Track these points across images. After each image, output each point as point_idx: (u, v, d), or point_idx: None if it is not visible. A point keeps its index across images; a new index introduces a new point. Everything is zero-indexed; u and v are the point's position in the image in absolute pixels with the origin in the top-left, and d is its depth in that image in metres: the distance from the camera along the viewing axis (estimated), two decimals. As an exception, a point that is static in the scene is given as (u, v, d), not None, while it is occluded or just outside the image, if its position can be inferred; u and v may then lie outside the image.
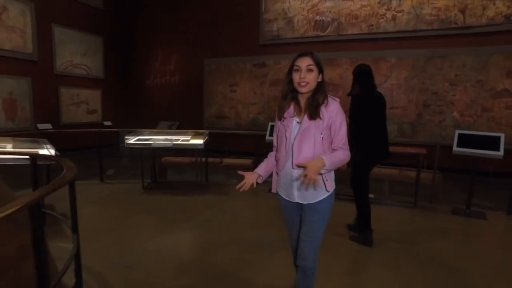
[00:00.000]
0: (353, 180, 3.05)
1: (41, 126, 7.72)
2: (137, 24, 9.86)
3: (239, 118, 8.33)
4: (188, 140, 4.52)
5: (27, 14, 7.46)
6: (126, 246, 2.81)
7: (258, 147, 5.94)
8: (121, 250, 2.74)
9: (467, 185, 3.87)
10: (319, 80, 1.61)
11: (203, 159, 5.10)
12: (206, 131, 5.00)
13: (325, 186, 1.62)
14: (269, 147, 3.56)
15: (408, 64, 6.60)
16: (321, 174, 1.55)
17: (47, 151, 3.10)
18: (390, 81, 6.72)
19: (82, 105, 9.10)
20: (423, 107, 6.59)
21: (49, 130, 7.06)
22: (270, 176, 1.78)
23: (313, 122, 1.57)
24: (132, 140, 4.57)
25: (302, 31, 7.41)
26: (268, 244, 2.88)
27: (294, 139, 1.61)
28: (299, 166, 1.56)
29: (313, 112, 1.57)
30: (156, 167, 5.13)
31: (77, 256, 1.49)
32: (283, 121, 1.67)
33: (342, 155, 1.59)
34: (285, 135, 1.64)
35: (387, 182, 4.88)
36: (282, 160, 1.67)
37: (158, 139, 4.63)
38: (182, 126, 8.65)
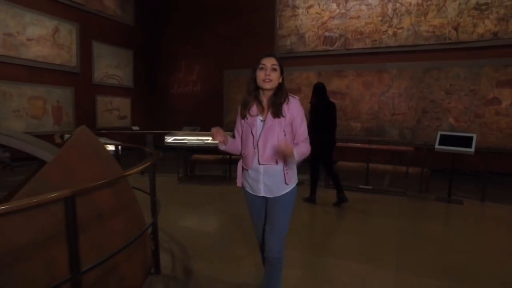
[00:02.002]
0: (312, 162, 4.41)
1: (81, 130, 8.77)
2: (163, 39, 10.94)
3: (255, 123, 9.23)
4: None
5: (73, 33, 8.59)
6: (172, 220, 3.70)
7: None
8: (171, 223, 3.63)
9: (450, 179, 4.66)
10: (280, 81, 1.75)
11: (227, 156, 5.99)
12: (230, 133, 5.90)
13: (284, 179, 1.74)
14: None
15: (408, 75, 7.39)
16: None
17: (112, 145, 4.03)
18: (392, 90, 7.51)
19: (114, 111, 10.17)
20: (422, 113, 7.34)
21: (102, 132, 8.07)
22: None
23: (276, 120, 1.68)
24: (170, 139, 5.50)
25: (313, 46, 8.29)
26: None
27: (259, 136, 1.71)
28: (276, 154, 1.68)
29: (277, 110, 1.68)
30: (187, 163, 6.05)
31: (154, 218, 2.39)
32: (247, 119, 1.77)
33: (305, 148, 1.72)
34: (252, 133, 1.74)
35: (388, 176, 5.70)
36: (250, 157, 1.74)
37: (191, 139, 5.55)
38: (203, 131, 9.59)
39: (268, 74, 1.68)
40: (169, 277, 2.38)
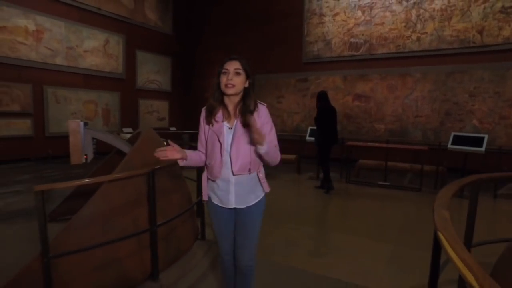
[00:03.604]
0: (319, 154, 5.37)
1: (125, 130, 9.79)
2: (198, 46, 11.81)
3: (284, 125, 9.79)
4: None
5: (120, 43, 9.64)
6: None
7: (299, 147, 7.37)
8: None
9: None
10: (246, 85, 1.65)
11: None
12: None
13: (262, 187, 1.70)
14: (308, 146, 5.27)
15: (431, 78, 7.63)
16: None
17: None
18: (415, 93, 7.78)
19: (154, 113, 11.16)
20: (445, 115, 7.55)
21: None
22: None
23: (246, 129, 1.58)
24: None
25: (339, 51, 8.73)
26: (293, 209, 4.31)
27: (231, 146, 1.59)
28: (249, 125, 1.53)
29: (247, 118, 1.57)
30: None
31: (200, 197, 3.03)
32: (212, 126, 1.64)
33: (275, 153, 1.65)
34: (219, 141, 1.61)
35: (410, 174, 6.09)
36: (217, 167, 1.61)
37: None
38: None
39: (231, 78, 1.58)
40: (211, 242, 3.00)
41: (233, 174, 1.60)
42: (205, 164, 1.72)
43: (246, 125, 1.57)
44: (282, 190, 5.36)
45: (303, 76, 9.34)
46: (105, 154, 3.55)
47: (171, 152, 1.54)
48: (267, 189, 1.73)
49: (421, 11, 7.63)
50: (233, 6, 10.71)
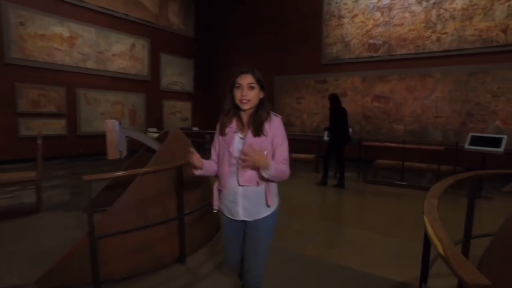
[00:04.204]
0: (326, 152, 5.84)
1: (150, 129, 10.25)
2: (219, 48, 12.16)
3: (304, 125, 9.95)
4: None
5: (145, 47, 10.12)
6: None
7: (318, 147, 7.52)
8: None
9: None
10: (261, 96, 1.63)
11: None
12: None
13: (266, 200, 1.61)
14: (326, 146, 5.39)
15: (452, 79, 7.58)
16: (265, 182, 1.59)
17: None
18: (435, 94, 7.74)
19: (177, 114, 11.60)
20: (466, 116, 7.48)
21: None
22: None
23: (257, 139, 1.56)
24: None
25: (358, 53, 8.80)
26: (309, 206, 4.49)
27: (239, 155, 1.57)
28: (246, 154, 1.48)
29: (257, 128, 1.56)
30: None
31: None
32: (225, 136, 1.64)
33: (283, 167, 1.58)
34: (228, 150, 1.61)
35: (430, 174, 6.15)
36: (225, 176, 1.61)
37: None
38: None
39: (245, 94, 1.56)
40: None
41: (240, 185, 1.58)
42: (216, 174, 1.71)
43: (257, 134, 1.56)
44: (300, 187, 5.57)
45: (322, 77, 9.47)
46: (133, 152, 3.89)
47: (195, 158, 1.60)
48: (275, 204, 1.67)
49: (441, 11, 7.60)
50: (252, 9, 10.98)
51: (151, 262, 2.44)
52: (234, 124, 1.64)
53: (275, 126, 1.61)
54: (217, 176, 1.71)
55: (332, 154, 5.75)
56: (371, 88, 8.67)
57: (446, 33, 7.59)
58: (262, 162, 1.46)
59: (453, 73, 7.58)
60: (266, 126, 1.58)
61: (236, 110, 1.64)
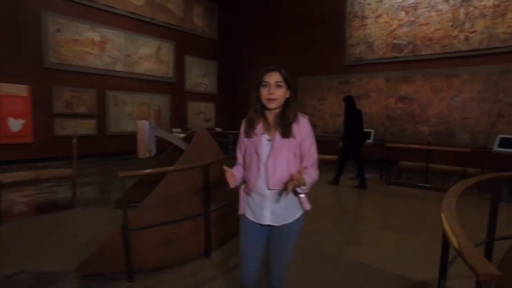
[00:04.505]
0: (342, 151, 5.86)
1: (175, 130, 10.55)
2: (242, 50, 12.34)
3: (326, 126, 9.92)
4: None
5: (171, 50, 10.44)
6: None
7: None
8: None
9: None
10: (287, 96, 1.58)
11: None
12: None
13: (301, 204, 1.59)
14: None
15: (481, 78, 7.33)
16: (298, 194, 1.54)
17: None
18: (463, 95, 7.51)
19: (201, 115, 11.87)
20: (496, 117, 7.21)
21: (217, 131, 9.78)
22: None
23: (286, 141, 1.52)
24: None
25: (381, 53, 8.69)
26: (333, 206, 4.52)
27: (267, 158, 1.53)
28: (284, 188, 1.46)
29: (286, 130, 1.52)
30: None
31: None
32: (251, 138, 1.59)
33: (314, 173, 1.55)
34: (256, 153, 1.56)
35: (457, 177, 6.01)
36: (253, 180, 1.56)
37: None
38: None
39: (272, 92, 1.51)
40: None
41: (269, 189, 1.52)
42: (245, 177, 1.64)
43: (286, 136, 1.52)
44: (322, 188, 5.60)
45: (345, 78, 9.41)
46: (160, 152, 4.08)
47: (230, 177, 1.51)
48: (307, 207, 1.59)
49: (470, 8, 7.38)
50: (275, 11, 11.07)
51: (179, 256, 2.58)
52: (260, 125, 1.58)
53: (303, 128, 1.55)
54: (244, 179, 1.64)
55: (348, 155, 5.80)
56: (395, 89, 8.53)
57: (475, 31, 7.36)
58: (302, 182, 1.42)
59: (482, 72, 7.34)
60: (294, 127, 1.53)
61: (262, 110, 1.58)
